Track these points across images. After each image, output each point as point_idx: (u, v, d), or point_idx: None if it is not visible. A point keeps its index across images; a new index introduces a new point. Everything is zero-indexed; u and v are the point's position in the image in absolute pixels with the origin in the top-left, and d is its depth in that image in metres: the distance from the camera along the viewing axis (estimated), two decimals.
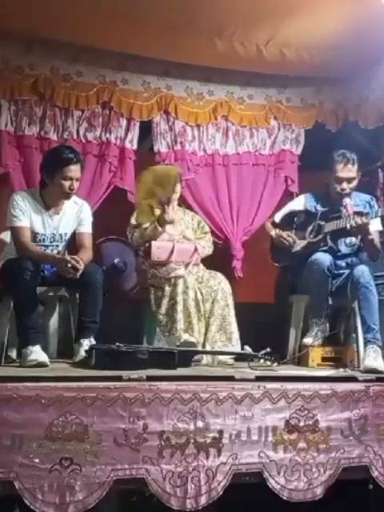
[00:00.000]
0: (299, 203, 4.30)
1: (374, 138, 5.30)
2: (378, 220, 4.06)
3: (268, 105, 5.21)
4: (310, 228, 4.13)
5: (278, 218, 4.34)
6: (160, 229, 4.15)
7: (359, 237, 4.00)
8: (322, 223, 4.07)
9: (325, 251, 4.00)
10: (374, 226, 4.01)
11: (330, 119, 5.29)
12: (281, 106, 5.23)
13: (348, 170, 4.03)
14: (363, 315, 3.81)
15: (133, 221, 4.29)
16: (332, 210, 4.07)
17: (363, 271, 3.86)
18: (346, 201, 4.00)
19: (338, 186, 4.05)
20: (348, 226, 3.87)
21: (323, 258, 3.92)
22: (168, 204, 4.17)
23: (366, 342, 3.74)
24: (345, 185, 4.05)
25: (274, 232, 4.26)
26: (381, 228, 4.12)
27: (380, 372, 3.52)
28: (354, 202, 4.09)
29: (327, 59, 4.63)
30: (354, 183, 4.09)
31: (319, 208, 4.16)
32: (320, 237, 4.06)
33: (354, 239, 4.06)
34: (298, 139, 5.32)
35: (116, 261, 4.85)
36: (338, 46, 4.43)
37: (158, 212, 4.22)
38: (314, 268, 3.92)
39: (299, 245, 4.13)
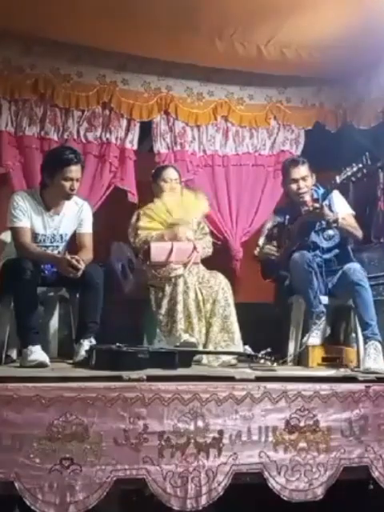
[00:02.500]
0: (270, 221, 4.43)
1: (374, 138, 5.30)
2: (343, 204, 4.18)
3: (268, 105, 5.21)
4: (283, 236, 4.24)
5: (261, 241, 4.42)
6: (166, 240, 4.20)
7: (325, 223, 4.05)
8: (290, 227, 4.20)
9: (298, 250, 4.05)
10: (341, 210, 4.10)
11: (330, 120, 5.30)
12: (281, 107, 5.24)
13: (299, 170, 4.16)
14: (359, 313, 3.84)
15: (137, 223, 4.30)
16: (297, 213, 4.17)
17: (354, 269, 3.91)
18: (306, 198, 4.14)
19: (295, 186, 4.16)
20: (304, 214, 4.02)
21: (298, 256, 3.99)
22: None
23: (366, 339, 3.76)
24: (301, 183, 4.15)
25: (256, 251, 4.38)
26: (349, 211, 4.19)
27: (381, 372, 3.51)
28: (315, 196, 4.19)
29: (327, 59, 4.63)
30: (309, 181, 4.18)
31: (287, 217, 4.28)
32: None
33: (330, 231, 4.11)
34: (298, 140, 5.32)
35: (125, 261, 4.80)
36: (337, 47, 4.43)
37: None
38: (294, 268, 4.00)
39: (278, 253, 4.22)
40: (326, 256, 4.11)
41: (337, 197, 4.19)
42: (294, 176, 4.17)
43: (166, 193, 4.36)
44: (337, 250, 4.15)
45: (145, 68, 4.86)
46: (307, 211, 4.04)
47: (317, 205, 3.96)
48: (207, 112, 5.07)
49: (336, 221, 3.97)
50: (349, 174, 3.89)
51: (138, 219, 4.33)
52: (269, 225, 4.41)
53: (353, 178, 3.94)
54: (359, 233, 4.16)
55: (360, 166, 3.89)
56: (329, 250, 4.14)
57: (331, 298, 4.05)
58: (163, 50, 4.60)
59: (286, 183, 4.27)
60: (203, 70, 4.96)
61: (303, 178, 4.16)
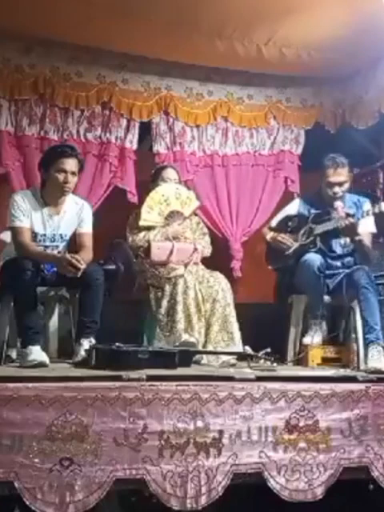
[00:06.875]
0: (293, 208, 4.33)
1: (374, 138, 5.30)
2: (370, 222, 4.06)
3: (268, 105, 5.21)
4: (302, 231, 4.16)
5: (274, 222, 4.38)
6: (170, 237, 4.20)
7: (349, 238, 4.01)
8: (313, 226, 4.11)
9: (315, 252, 4.02)
10: (365, 227, 4.01)
11: (330, 119, 5.30)
12: (280, 106, 5.24)
13: (338, 174, 4.04)
14: (364, 316, 3.80)
15: (136, 220, 4.29)
16: (324, 213, 4.10)
17: (363, 272, 3.86)
18: (337, 203, 4.01)
19: (330, 190, 4.06)
20: (338, 225, 3.92)
21: (313, 258, 3.95)
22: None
23: (369, 343, 3.72)
24: (337, 189, 4.05)
25: (269, 236, 4.30)
26: (373, 230, 4.10)
27: (383, 372, 3.50)
28: (347, 204, 4.09)
29: (327, 59, 4.64)
30: (346, 186, 4.09)
31: (313, 211, 4.18)
32: (311, 239, 4.09)
33: (348, 240, 4.06)
34: (298, 139, 5.32)
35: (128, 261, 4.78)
36: (337, 46, 4.44)
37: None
38: (305, 269, 3.95)
39: (292, 247, 4.14)
40: (335, 262, 4.07)
41: (367, 207, 4.09)
42: (332, 180, 4.03)
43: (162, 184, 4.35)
44: (347, 258, 4.10)
45: (145, 68, 4.87)
46: (338, 220, 3.93)
47: (352, 220, 3.86)
48: (207, 112, 5.07)
49: (360, 241, 3.93)
50: None
51: (135, 218, 4.32)
52: (290, 211, 4.29)
53: None
54: (372, 255, 4.08)
55: None
56: (339, 256, 4.09)
57: (331, 298, 4.04)
58: (163, 50, 4.60)
59: (322, 179, 4.10)
60: (203, 69, 4.97)
61: (340, 184, 4.04)
